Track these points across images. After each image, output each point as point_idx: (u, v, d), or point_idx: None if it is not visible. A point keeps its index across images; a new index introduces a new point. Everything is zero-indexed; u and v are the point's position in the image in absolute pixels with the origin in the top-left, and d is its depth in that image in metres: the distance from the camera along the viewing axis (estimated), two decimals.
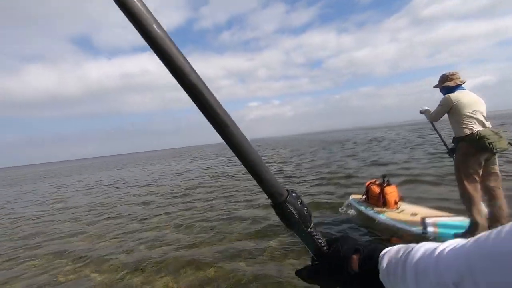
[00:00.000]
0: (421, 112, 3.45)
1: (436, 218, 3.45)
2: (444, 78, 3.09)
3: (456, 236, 2.94)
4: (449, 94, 2.96)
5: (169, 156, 43.10)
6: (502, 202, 2.91)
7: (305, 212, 0.48)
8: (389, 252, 0.45)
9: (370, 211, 3.97)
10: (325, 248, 0.51)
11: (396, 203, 3.95)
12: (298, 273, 0.54)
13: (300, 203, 0.47)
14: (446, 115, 3.06)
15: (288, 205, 0.45)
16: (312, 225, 0.49)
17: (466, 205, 2.93)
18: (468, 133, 2.83)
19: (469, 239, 0.35)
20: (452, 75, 3.04)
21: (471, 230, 2.87)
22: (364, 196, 4.27)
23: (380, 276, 0.44)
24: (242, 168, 0.44)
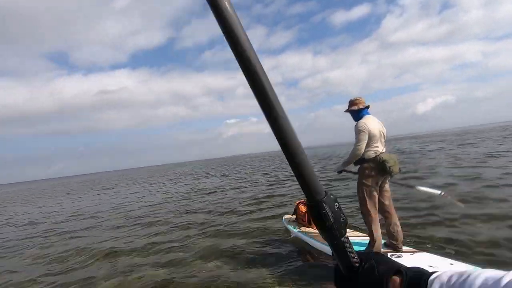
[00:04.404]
0: (339, 172, 3.44)
1: (352, 238, 3.59)
2: (350, 103, 3.30)
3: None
4: (362, 121, 3.09)
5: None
6: (396, 219, 3.17)
7: (341, 218, 0.44)
8: (440, 278, 0.40)
9: (295, 230, 4.08)
10: (356, 263, 0.46)
11: None
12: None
13: (337, 208, 0.44)
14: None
15: (324, 205, 0.43)
16: (346, 235, 0.45)
17: (367, 222, 3.14)
18: (373, 156, 3.03)
19: None
20: (356, 100, 3.27)
21: (371, 245, 3.10)
22: (294, 216, 4.37)
23: None
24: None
